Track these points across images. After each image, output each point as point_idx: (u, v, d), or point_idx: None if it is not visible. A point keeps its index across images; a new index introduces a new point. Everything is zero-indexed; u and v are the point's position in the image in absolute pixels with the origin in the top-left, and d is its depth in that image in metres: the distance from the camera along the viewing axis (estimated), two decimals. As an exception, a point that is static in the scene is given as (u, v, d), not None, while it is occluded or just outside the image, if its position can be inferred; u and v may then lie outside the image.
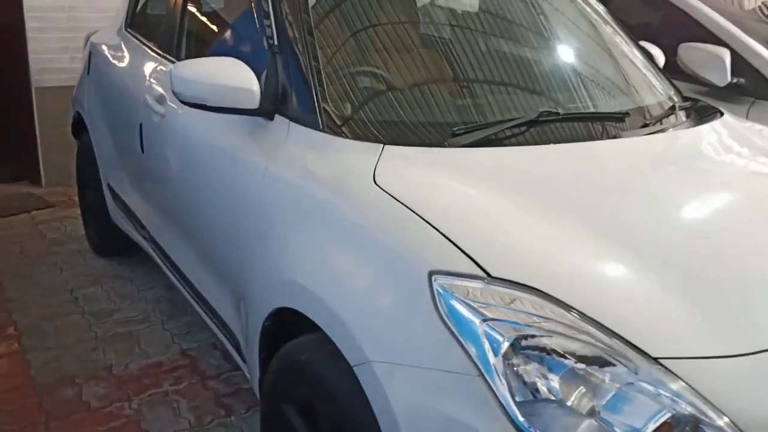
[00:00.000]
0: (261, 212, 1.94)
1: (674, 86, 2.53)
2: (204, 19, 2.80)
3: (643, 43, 2.75)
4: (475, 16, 2.38)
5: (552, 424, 1.28)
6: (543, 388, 1.30)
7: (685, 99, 2.45)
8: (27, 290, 3.36)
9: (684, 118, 2.26)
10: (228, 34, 2.60)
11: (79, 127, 3.75)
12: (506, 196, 1.63)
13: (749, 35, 3.18)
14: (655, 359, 1.28)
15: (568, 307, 1.34)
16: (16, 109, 4.92)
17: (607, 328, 1.31)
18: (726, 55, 3.05)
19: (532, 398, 1.30)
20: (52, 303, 3.25)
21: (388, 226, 1.56)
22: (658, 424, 1.25)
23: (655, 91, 2.39)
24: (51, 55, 4.75)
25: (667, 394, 1.26)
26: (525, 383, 1.31)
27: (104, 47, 3.49)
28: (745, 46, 3.12)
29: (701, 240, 1.59)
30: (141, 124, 2.79)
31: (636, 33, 3.26)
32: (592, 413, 1.28)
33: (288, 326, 1.79)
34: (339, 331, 1.54)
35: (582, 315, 1.33)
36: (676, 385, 1.26)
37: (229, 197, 2.12)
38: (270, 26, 2.09)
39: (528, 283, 1.37)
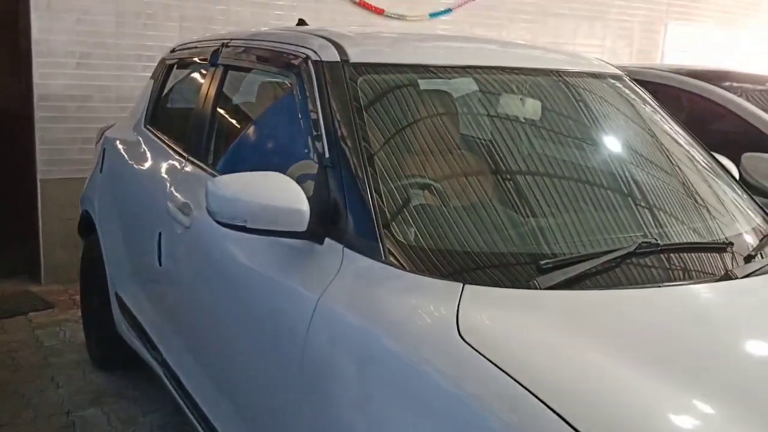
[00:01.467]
0: (310, 358, 1.61)
1: (759, 205, 2.26)
2: (238, 123, 2.55)
3: (717, 156, 2.51)
4: (540, 130, 2.13)
5: None
6: None
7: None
8: (19, 412, 2.98)
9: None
10: (267, 142, 2.35)
11: (87, 226, 3.46)
12: (600, 349, 1.32)
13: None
14: None
15: None
16: (20, 199, 4.66)
17: None
18: (798, 166, 2.82)
19: None
20: (46, 430, 2.87)
21: (489, 401, 1.23)
22: None
23: (746, 213, 2.11)
24: (60, 146, 4.52)
25: None
26: None
27: (120, 144, 3.25)
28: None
29: None
30: (160, 234, 2.49)
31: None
32: None
33: None
34: None
35: None
36: None
37: (266, 334, 1.80)
38: (320, 135, 1.83)
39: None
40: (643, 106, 2.36)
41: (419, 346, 1.38)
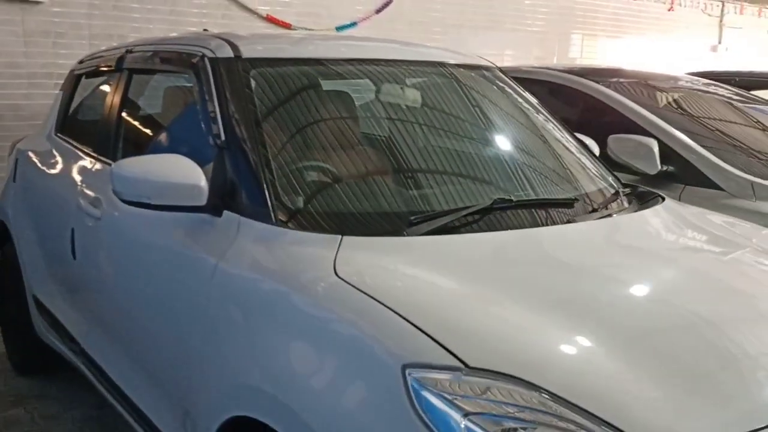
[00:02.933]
0: (211, 314, 1.82)
1: (612, 174, 2.59)
2: (143, 120, 2.73)
3: (579, 135, 2.84)
4: (419, 111, 2.41)
5: None
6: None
7: (624, 186, 2.52)
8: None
9: (627, 204, 2.30)
10: (169, 132, 2.54)
11: (1, 235, 3.53)
12: (472, 283, 1.59)
13: (675, 125, 3.34)
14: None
15: (550, 394, 1.27)
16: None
17: (588, 412, 1.25)
18: (654, 145, 3.19)
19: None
20: (-33, 431, 2.93)
21: (353, 318, 1.47)
22: None
23: (596, 179, 2.44)
24: (-28, 165, 4.54)
25: None
26: None
27: (32, 153, 3.36)
28: (672, 136, 3.27)
29: (662, 317, 1.58)
30: (73, 230, 2.64)
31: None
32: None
33: None
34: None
35: (563, 401, 1.26)
36: None
37: (175, 300, 1.99)
38: (216, 122, 2.04)
39: (508, 372, 1.30)
40: (510, 91, 2.67)
41: (301, 285, 1.62)
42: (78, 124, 3.25)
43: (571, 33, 8.03)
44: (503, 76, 2.75)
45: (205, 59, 2.21)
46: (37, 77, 4.71)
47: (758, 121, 3.70)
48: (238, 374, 1.66)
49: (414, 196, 2.01)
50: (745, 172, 3.04)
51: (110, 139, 2.66)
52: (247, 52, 2.22)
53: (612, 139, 3.30)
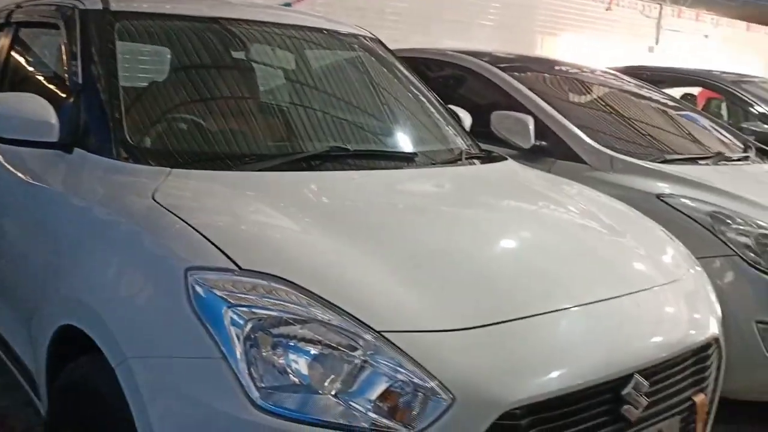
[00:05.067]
0: (56, 237, 1.97)
1: (473, 140, 2.79)
2: (23, 68, 2.86)
3: (454, 107, 3.05)
4: (281, 70, 2.59)
5: (292, 403, 1.37)
6: (289, 372, 1.39)
7: (482, 151, 2.72)
8: None
9: (467, 161, 2.50)
10: (40, 76, 2.68)
11: None
12: (272, 206, 1.78)
13: (552, 104, 3.56)
14: (378, 332, 1.41)
15: (306, 292, 1.46)
16: None
17: (340, 308, 1.44)
18: (530, 121, 3.40)
19: (278, 381, 1.38)
20: None
21: (155, 232, 1.65)
22: (380, 391, 1.37)
23: (449, 140, 2.64)
24: None
25: (389, 364, 1.38)
26: (275, 367, 1.40)
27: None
28: (546, 113, 3.50)
29: (440, 243, 1.79)
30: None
31: (459, 102, 3.61)
32: (327, 390, 1.38)
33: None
34: (105, 336, 1.58)
35: (319, 298, 1.45)
36: (395, 355, 1.39)
37: (29, 227, 2.14)
38: (76, 66, 2.20)
39: (275, 274, 1.48)
40: (380, 60, 2.86)
41: (123, 207, 1.80)
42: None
43: (514, 27, 8.29)
44: (375, 46, 2.94)
45: (76, 11, 2.36)
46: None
47: (635, 106, 3.96)
48: (70, 288, 1.82)
49: (254, 143, 2.19)
50: (606, 148, 3.28)
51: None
52: (115, 5, 2.38)
53: (494, 115, 3.51)
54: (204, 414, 1.39)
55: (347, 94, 2.66)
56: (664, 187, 3.01)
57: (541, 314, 1.58)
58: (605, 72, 4.54)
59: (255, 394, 1.36)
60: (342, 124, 2.43)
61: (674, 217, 2.89)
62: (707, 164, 3.40)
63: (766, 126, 4.97)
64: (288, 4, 6.33)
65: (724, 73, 5.79)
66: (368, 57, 2.86)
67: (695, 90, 6.54)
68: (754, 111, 5.16)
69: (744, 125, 5.00)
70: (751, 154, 3.86)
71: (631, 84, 4.39)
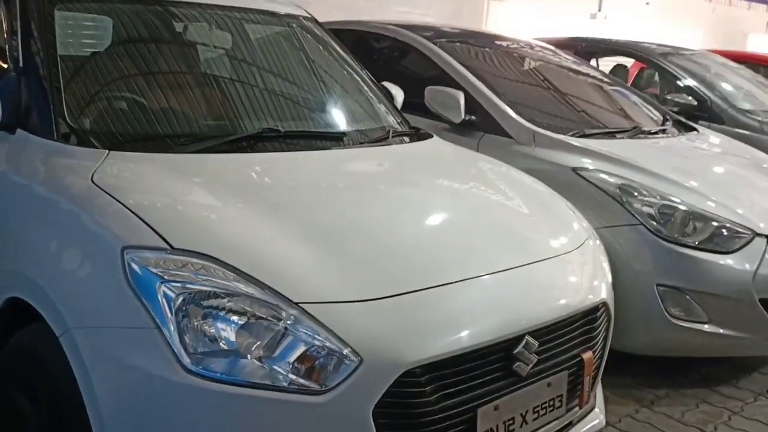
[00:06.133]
0: (1, 214, 2.10)
1: (403, 118, 2.97)
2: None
3: (387, 84, 3.21)
4: (219, 51, 2.71)
5: (220, 367, 1.56)
6: (219, 340, 1.58)
7: (411, 128, 2.90)
8: None
9: (395, 140, 2.68)
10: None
11: None
12: (207, 186, 1.95)
13: (483, 80, 3.75)
14: (296, 304, 1.60)
15: (233, 269, 1.63)
16: None
17: (263, 282, 1.62)
18: (461, 97, 3.58)
19: (208, 347, 1.57)
20: None
21: (94, 212, 1.79)
22: (298, 354, 1.57)
23: (380, 119, 2.82)
24: None
25: (306, 332, 1.58)
26: (205, 335, 1.58)
27: None
28: (476, 88, 3.68)
29: (359, 219, 2.00)
30: None
31: (399, 75, 3.78)
32: (252, 355, 1.57)
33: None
34: (49, 307, 1.74)
35: (244, 274, 1.63)
36: (311, 323, 1.59)
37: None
38: (16, 51, 2.29)
39: (203, 252, 1.66)
40: (319, 34, 3.00)
41: (63, 187, 1.93)
42: None
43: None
44: (311, 26, 3.08)
45: (16, -12, 2.44)
46: None
47: (563, 81, 4.18)
48: (16, 263, 1.96)
49: (190, 123, 2.33)
50: (529, 122, 3.49)
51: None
52: (55, -17, 2.46)
53: (427, 90, 3.68)
54: (140, 378, 1.57)
55: (283, 75, 2.80)
56: (579, 161, 3.25)
57: (444, 285, 1.80)
58: (540, 46, 4.73)
59: (186, 360, 1.54)
60: (277, 103, 2.58)
61: (587, 189, 3.14)
62: (623, 138, 3.66)
63: (689, 98, 5.24)
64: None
65: (659, 45, 6.04)
66: (305, 36, 3.00)
67: (629, 61, 6.79)
68: (680, 84, 5.42)
69: (668, 97, 5.27)
70: (668, 126, 4.14)
71: (562, 58, 4.61)
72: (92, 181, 1.88)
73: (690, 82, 5.38)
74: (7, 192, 2.10)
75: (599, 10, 10.33)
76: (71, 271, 1.76)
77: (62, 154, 2.05)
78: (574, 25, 9.46)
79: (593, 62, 6.20)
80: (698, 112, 5.11)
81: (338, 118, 2.72)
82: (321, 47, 3.01)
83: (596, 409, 2.28)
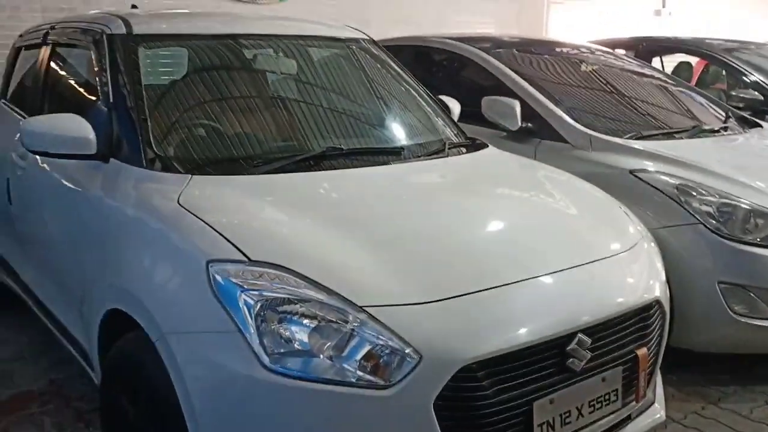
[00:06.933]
0: (100, 235, 2.36)
1: (459, 129, 3.11)
2: (58, 85, 3.24)
3: (443, 97, 3.37)
4: (285, 78, 2.92)
5: (296, 365, 1.74)
6: (293, 341, 1.77)
7: (467, 139, 3.04)
8: None
9: (452, 151, 2.82)
10: (77, 95, 3.05)
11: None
12: (270, 204, 2.16)
13: (538, 88, 3.85)
14: (361, 307, 1.77)
15: (303, 277, 1.82)
16: None
17: (330, 288, 1.80)
18: (516, 105, 3.70)
19: (284, 348, 1.76)
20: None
21: (181, 231, 2.02)
22: (364, 353, 1.74)
23: (437, 132, 2.97)
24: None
25: (371, 333, 1.75)
26: (281, 337, 1.77)
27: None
28: (531, 95, 3.79)
29: (420, 227, 2.15)
30: (8, 179, 3.17)
31: (456, 87, 3.93)
32: (323, 354, 1.75)
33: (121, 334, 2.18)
34: (145, 316, 1.97)
35: (313, 282, 1.81)
36: (375, 325, 1.75)
37: (75, 225, 2.53)
38: (107, 87, 2.56)
39: (277, 263, 1.85)
40: (373, 60, 3.18)
41: (152, 209, 2.17)
42: (18, 90, 3.74)
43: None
44: (370, 47, 3.26)
45: (104, 35, 2.72)
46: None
47: (620, 83, 4.23)
48: (114, 277, 2.21)
49: (261, 145, 2.55)
50: (586, 127, 3.57)
51: (37, 102, 3.18)
52: (137, 29, 2.73)
53: (484, 100, 3.82)
54: (227, 376, 1.77)
55: (345, 94, 3.00)
56: (636, 163, 3.31)
57: (497, 287, 1.93)
58: (597, 50, 4.79)
59: (266, 359, 1.73)
60: (339, 122, 2.78)
61: (646, 190, 3.20)
62: (682, 137, 3.68)
63: (755, 93, 5.16)
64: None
65: (725, 40, 5.94)
66: (364, 56, 3.19)
67: (694, 58, 6.70)
68: (746, 79, 5.35)
69: (733, 93, 5.21)
70: (731, 123, 4.13)
71: (619, 60, 4.64)
72: (179, 203, 2.11)
73: (756, 77, 5.30)
74: (103, 215, 2.36)
75: (663, 6, 10.15)
76: (163, 283, 1.99)
77: (150, 180, 2.29)
78: (637, 22, 9.35)
79: (656, 61, 6.18)
80: (765, 107, 5.04)
81: (397, 133, 2.90)
82: (379, 66, 3.19)
83: (656, 405, 2.35)
